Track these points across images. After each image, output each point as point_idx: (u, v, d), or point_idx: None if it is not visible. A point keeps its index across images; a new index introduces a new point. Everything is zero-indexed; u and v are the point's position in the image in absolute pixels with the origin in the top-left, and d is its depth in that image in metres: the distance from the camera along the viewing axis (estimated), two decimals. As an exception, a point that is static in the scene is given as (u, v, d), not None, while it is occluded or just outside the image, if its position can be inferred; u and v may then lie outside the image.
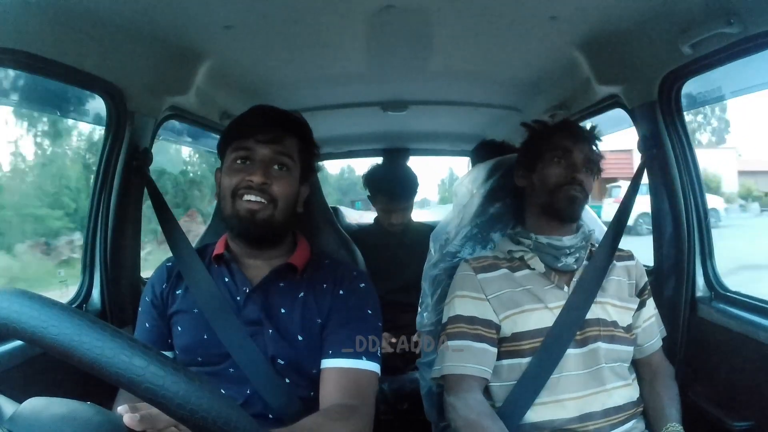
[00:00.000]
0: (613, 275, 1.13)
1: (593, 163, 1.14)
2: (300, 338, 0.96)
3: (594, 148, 1.15)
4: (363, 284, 1.02)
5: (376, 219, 2.13)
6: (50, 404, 0.48)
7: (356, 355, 0.92)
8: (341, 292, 0.99)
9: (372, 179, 2.09)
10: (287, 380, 0.94)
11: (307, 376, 0.95)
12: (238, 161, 0.97)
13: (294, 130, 1.01)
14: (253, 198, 0.94)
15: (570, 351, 1.04)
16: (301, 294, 0.99)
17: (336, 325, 0.96)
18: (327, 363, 0.93)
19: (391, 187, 2.03)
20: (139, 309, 1.04)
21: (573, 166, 1.11)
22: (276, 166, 0.97)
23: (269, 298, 0.98)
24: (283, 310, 0.97)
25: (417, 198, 2.17)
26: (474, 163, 2.20)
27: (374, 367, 0.94)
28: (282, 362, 0.95)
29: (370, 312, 0.98)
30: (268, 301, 0.98)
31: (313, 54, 1.42)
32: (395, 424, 1.72)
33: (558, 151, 1.12)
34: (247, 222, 0.95)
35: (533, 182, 1.15)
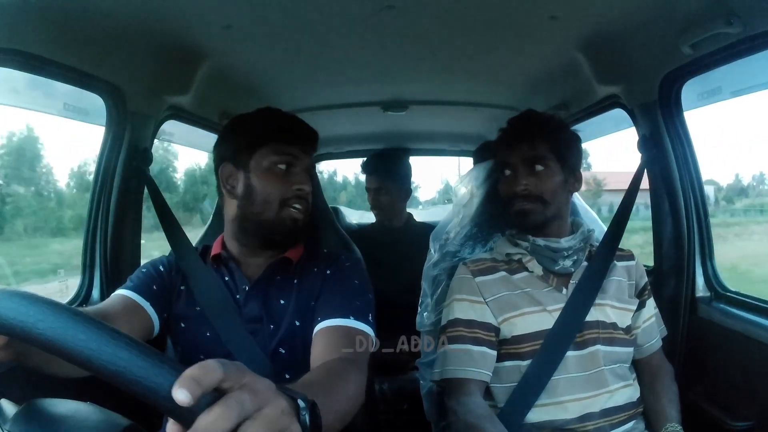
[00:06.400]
0: (613, 276, 1.13)
1: (542, 157, 1.08)
2: (297, 323, 0.97)
3: (542, 138, 1.07)
4: (349, 263, 1.03)
5: (376, 219, 2.16)
6: (50, 405, 0.48)
7: (344, 315, 0.90)
8: (328, 272, 1.00)
9: (366, 160, 2.21)
10: (287, 376, 0.95)
11: (308, 366, 0.95)
12: (280, 166, 0.97)
13: (317, 142, 1.04)
14: (299, 206, 0.97)
15: (570, 353, 1.04)
16: (296, 281, 1.00)
17: (325, 295, 0.96)
18: (316, 329, 0.90)
19: (377, 161, 2.15)
20: (135, 274, 1.01)
21: (513, 177, 1.09)
22: (309, 176, 1.01)
23: (268, 292, 0.99)
24: (282, 302, 0.99)
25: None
26: (476, 163, 2.22)
27: (365, 327, 0.90)
28: (283, 352, 0.96)
29: (357, 282, 0.98)
30: (268, 296, 0.99)
31: (313, 54, 1.42)
32: (395, 424, 1.72)
33: (502, 166, 1.13)
34: (290, 229, 0.98)
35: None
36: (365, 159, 2.23)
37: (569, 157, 1.11)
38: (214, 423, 0.38)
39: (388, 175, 2.11)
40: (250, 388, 0.40)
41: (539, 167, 1.08)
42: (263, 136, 0.99)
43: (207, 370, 0.39)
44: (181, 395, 0.37)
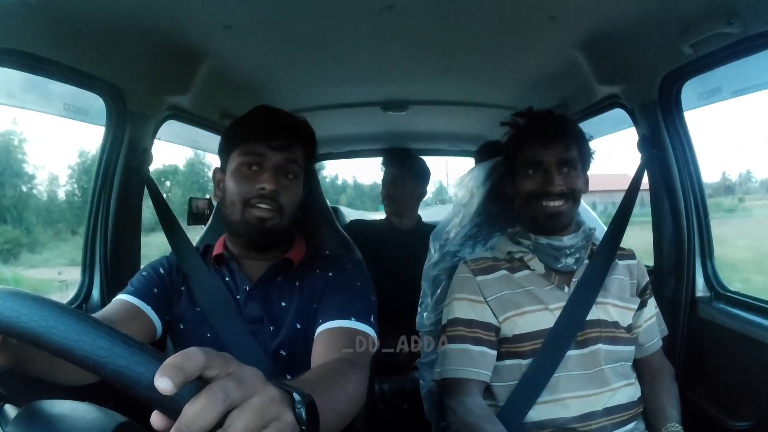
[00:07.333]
0: (614, 274, 1.13)
1: (573, 160, 1.09)
2: (298, 326, 0.96)
3: (572, 141, 1.09)
4: (350, 265, 1.02)
5: (387, 217, 2.18)
6: (49, 406, 0.48)
7: (345, 316, 0.89)
8: (330, 274, 1.00)
9: (387, 153, 2.30)
10: (289, 377, 0.94)
11: (309, 368, 0.95)
12: (247, 166, 0.96)
13: (302, 136, 1.01)
14: (264, 206, 0.94)
15: (571, 352, 1.04)
16: (297, 283, 1.00)
17: (327, 297, 0.96)
18: (318, 330, 0.89)
19: (398, 154, 2.25)
20: (135, 278, 1.01)
21: (546, 177, 1.07)
22: (284, 174, 0.97)
23: (269, 294, 0.99)
24: (283, 303, 0.98)
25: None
26: (478, 163, 2.23)
27: (366, 328, 0.89)
28: (284, 353, 0.96)
29: (359, 284, 0.98)
30: (268, 297, 0.99)
31: (313, 54, 1.42)
32: (395, 424, 1.72)
33: (529, 163, 1.09)
34: (256, 230, 0.96)
35: (516, 194, 1.14)
36: (386, 151, 2.29)
37: (586, 161, 1.13)
38: (200, 412, 0.37)
39: (407, 170, 2.13)
40: (236, 377, 0.40)
41: (568, 169, 1.08)
42: (237, 138, 0.99)
43: (188, 357, 0.38)
44: (162, 383, 0.36)
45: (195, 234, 1.43)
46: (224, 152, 1.01)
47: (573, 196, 1.09)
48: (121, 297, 0.96)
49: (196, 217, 1.69)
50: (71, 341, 0.40)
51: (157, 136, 1.41)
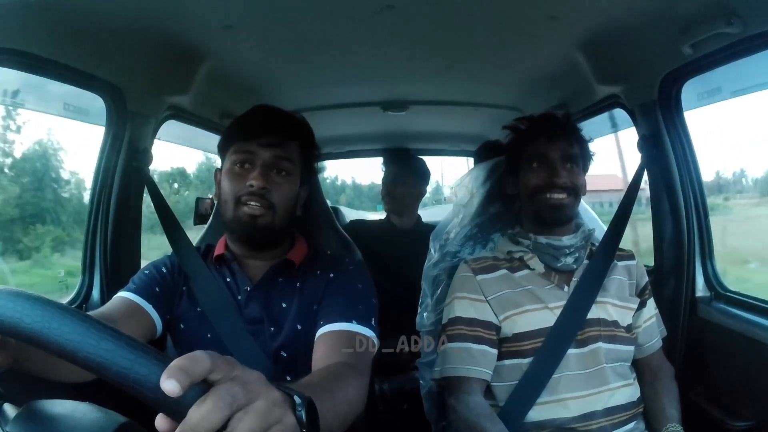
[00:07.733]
0: (614, 275, 1.14)
1: (576, 156, 1.11)
2: (299, 327, 0.96)
3: (575, 139, 1.12)
4: (352, 266, 1.02)
5: (386, 217, 2.19)
6: (49, 406, 0.48)
7: (347, 319, 0.89)
8: (332, 275, 0.99)
9: (386, 153, 2.34)
10: (289, 378, 0.95)
11: (309, 369, 0.95)
12: (239, 165, 0.97)
13: (296, 133, 1.00)
14: (253, 203, 0.94)
15: (571, 351, 1.04)
16: (298, 284, 1.00)
17: (328, 299, 0.95)
18: (319, 333, 0.90)
19: (399, 154, 2.29)
20: (137, 275, 1.01)
21: (552, 170, 1.09)
22: (276, 171, 0.97)
23: (270, 294, 0.99)
24: (284, 305, 0.98)
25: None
26: (477, 163, 2.24)
27: (367, 331, 0.89)
28: (284, 355, 0.96)
29: (360, 286, 0.97)
30: (269, 298, 0.99)
31: (312, 54, 1.42)
32: (395, 424, 1.72)
33: (534, 157, 1.12)
34: (248, 227, 0.96)
35: (519, 190, 1.15)
36: (387, 151, 2.33)
37: (586, 161, 1.15)
38: (207, 415, 0.37)
39: (407, 169, 2.15)
40: (241, 380, 0.40)
41: (571, 165, 1.10)
42: (231, 138, 1.00)
43: (195, 360, 0.38)
44: (169, 385, 0.36)
45: (195, 234, 1.43)
46: (222, 152, 1.02)
47: (575, 192, 1.10)
48: (122, 294, 0.96)
49: (202, 218, 1.69)
50: (75, 342, 0.39)
51: (157, 136, 1.41)
